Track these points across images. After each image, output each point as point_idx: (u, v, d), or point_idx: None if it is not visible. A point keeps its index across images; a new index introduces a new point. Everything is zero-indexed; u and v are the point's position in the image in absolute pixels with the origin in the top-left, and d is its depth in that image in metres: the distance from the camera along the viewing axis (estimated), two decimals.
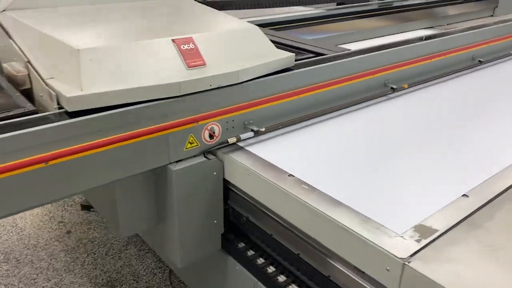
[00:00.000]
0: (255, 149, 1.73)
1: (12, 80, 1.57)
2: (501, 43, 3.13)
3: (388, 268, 1.15)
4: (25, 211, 1.45)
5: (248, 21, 1.98)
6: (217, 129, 1.70)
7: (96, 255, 2.86)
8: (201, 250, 1.79)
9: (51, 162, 1.32)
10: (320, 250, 1.43)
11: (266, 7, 3.53)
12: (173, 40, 1.60)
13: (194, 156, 1.67)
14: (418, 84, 2.50)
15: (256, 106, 1.79)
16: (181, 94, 1.53)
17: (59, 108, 1.40)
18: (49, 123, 1.31)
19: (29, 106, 1.43)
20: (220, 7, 2.72)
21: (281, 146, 1.78)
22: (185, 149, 1.64)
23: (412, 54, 2.42)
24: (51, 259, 2.81)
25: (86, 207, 3.33)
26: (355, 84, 2.15)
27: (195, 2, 2.34)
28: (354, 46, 2.50)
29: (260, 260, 1.71)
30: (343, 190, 1.44)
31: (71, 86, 1.39)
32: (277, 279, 1.61)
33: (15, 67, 1.57)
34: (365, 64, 2.17)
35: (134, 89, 1.43)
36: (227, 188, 1.76)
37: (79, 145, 1.37)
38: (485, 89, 2.59)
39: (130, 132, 1.46)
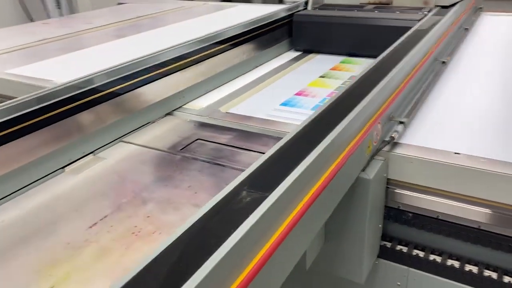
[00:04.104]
0: (404, 140, 1.67)
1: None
2: None
3: None
4: None
5: None
6: (379, 129, 1.58)
7: None
8: (370, 259, 1.66)
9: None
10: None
11: None
12: None
13: (368, 161, 1.53)
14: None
15: (396, 95, 1.71)
16: None
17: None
18: None
19: None
20: None
21: (420, 130, 1.75)
22: (366, 154, 1.49)
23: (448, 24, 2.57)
24: None
25: None
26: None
27: None
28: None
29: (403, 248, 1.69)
30: None
31: None
32: (436, 260, 1.62)
33: None
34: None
35: None
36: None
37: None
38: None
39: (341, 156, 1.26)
